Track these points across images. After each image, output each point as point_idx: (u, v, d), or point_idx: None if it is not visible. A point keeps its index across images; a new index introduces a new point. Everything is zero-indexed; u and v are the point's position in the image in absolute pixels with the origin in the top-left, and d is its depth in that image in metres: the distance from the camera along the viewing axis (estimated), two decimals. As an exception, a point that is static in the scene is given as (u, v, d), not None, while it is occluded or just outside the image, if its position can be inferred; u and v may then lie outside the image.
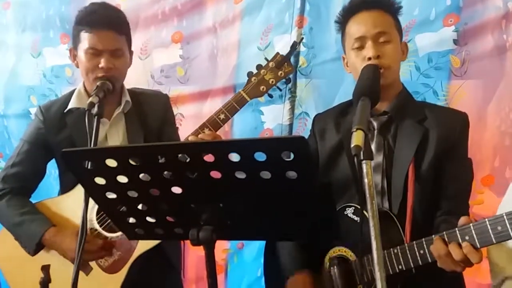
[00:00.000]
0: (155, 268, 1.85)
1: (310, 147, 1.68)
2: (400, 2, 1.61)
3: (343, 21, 1.60)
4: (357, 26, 1.54)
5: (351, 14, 1.57)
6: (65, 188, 1.87)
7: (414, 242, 1.36)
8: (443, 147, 1.48)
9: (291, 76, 1.77)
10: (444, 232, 1.28)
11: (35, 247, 1.76)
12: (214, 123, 1.69)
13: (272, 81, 1.69)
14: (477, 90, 2.12)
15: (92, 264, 1.77)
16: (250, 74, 1.72)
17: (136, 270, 1.75)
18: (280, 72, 1.69)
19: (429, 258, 1.32)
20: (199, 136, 1.67)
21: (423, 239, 1.34)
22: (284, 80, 1.72)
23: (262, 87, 1.69)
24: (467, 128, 1.55)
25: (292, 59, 2.29)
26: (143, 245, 1.73)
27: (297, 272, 1.58)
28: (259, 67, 1.71)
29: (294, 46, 1.73)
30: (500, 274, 1.35)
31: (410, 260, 1.36)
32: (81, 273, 1.69)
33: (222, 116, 1.69)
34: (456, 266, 1.27)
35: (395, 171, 1.50)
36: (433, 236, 1.32)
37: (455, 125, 1.52)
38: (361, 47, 1.52)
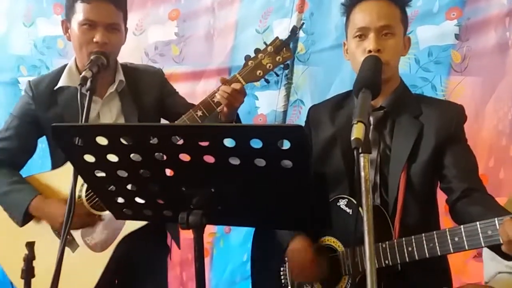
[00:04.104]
0: (147, 248, 1.83)
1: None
2: None
3: (349, 5, 1.57)
4: (361, 15, 1.51)
5: (357, 0, 1.53)
6: (56, 164, 1.84)
7: (404, 239, 1.35)
8: (440, 140, 1.47)
9: (289, 62, 1.74)
10: None
11: (23, 216, 1.73)
12: (208, 105, 1.66)
13: (270, 66, 1.65)
14: (477, 87, 2.10)
15: (79, 241, 1.74)
16: (247, 58, 1.67)
17: (126, 249, 1.72)
18: (279, 57, 1.64)
19: (416, 256, 1.31)
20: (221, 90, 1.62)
21: (413, 236, 1.33)
22: (282, 65, 1.68)
23: (259, 71, 1.65)
24: (463, 119, 1.55)
25: (290, 45, 2.26)
26: (131, 225, 1.70)
27: (296, 236, 1.56)
28: (257, 51, 1.66)
29: (294, 31, 1.69)
30: (493, 269, 1.35)
31: (397, 256, 1.35)
32: (67, 250, 1.68)
33: (216, 99, 1.65)
34: None
35: (392, 167, 1.49)
36: (434, 232, 1.29)
37: (451, 118, 1.51)
38: (363, 38, 1.49)
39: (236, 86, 1.61)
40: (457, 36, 2.12)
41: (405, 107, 1.54)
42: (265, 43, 1.67)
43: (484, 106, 2.09)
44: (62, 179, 1.77)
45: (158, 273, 1.93)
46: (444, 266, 1.56)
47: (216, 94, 1.64)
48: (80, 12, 1.68)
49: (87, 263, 1.72)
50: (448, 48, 2.14)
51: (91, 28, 1.67)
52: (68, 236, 1.69)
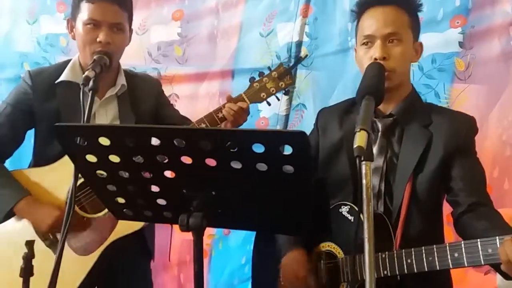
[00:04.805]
0: (129, 253, 1.81)
1: (311, 142, 1.67)
2: (420, 0, 1.57)
3: (358, 12, 1.57)
4: (369, 22, 1.51)
5: (366, 7, 1.54)
6: (39, 160, 1.80)
7: (403, 250, 1.34)
8: (449, 151, 1.46)
9: (290, 88, 1.85)
10: None
11: (6, 214, 1.69)
12: (212, 120, 1.72)
13: (273, 90, 1.76)
14: (480, 96, 2.10)
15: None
16: (252, 80, 1.77)
17: (109, 254, 1.70)
18: (281, 83, 1.76)
19: (415, 269, 1.31)
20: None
21: (412, 249, 1.32)
22: (283, 91, 1.79)
23: (263, 94, 1.76)
24: (473, 132, 1.53)
25: (293, 49, 2.29)
26: (120, 231, 1.69)
27: (293, 249, 1.57)
28: (261, 74, 1.77)
29: (300, 61, 1.84)
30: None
31: (396, 268, 1.34)
32: (49, 252, 1.68)
33: (220, 115, 1.72)
34: None
35: (398, 176, 1.48)
36: (434, 246, 1.29)
37: (461, 129, 1.49)
38: (369, 45, 1.49)
39: (242, 105, 1.71)
40: (461, 44, 2.12)
41: (415, 115, 1.52)
42: (269, 68, 1.78)
43: (488, 115, 2.08)
44: (55, 179, 1.74)
45: (140, 278, 1.91)
46: (445, 278, 1.54)
47: (223, 110, 1.71)
48: (85, 12, 1.68)
49: (70, 266, 1.66)
50: (452, 56, 2.14)
51: (95, 28, 1.67)
52: (52, 237, 1.70)
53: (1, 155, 1.81)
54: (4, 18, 3.08)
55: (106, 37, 1.66)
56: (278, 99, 1.86)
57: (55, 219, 1.65)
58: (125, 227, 1.69)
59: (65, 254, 1.63)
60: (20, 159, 1.92)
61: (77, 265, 1.68)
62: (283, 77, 1.75)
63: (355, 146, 1.00)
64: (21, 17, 3.03)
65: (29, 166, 1.86)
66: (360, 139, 1.01)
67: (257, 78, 1.76)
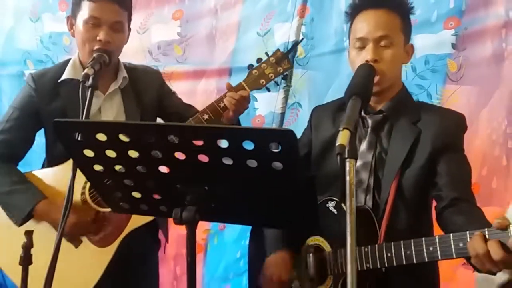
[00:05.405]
0: (144, 244, 1.88)
1: (305, 139, 1.71)
2: (412, 3, 1.59)
3: (351, 14, 1.60)
4: (361, 25, 1.53)
5: (358, 10, 1.56)
6: (52, 159, 1.85)
7: (384, 244, 1.38)
8: (437, 147, 1.48)
9: (288, 72, 1.85)
10: (486, 229, 1.19)
11: (25, 217, 1.73)
12: (214, 110, 1.73)
13: (272, 76, 1.77)
14: (471, 97, 2.13)
15: (82, 237, 1.76)
16: (250, 67, 1.78)
17: (126, 245, 1.76)
18: (280, 68, 1.77)
19: (394, 262, 1.34)
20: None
21: (392, 243, 1.36)
22: (281, 75, 1.79)
23: (262, 80, 1.76)
24: (462, 129, 1.56)
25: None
26: (135, 221, 1.74)
27: (279, 249, 1.62)
28: (259, 60, 1.77)
29: (296, 45, 1.83)
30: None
31: (378, 261, 1.38)
32: (70, 246, 1.72)
33: (222, 105, 1.73)
34: (493, 266, 1.18)
35: (386, 170, 1.51)
36: (412, 240, 1.32)
37: (450, 126, 1.52)
38: (362, 47, 1.52)
39: (243, 93, 1.72)
40: (454, 46, 2.15)
41: (404, 112, 1.55)
42: (266, 53, 1.79)
43: (478, 116, 2.11)
44: (65, 178, 1.71)
45: (151, 267, 1.97)
46: (432, 275, 1.57)
47: (224, 100, 1.72)
48: (85, 10, 1.72)
49: (91, 258, 1.74)
50: (444, 57, 2.16)
51: (95, 26, 1.71)
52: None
53: (14, 158, 1.86)
54: (7, 16, 3.12)
55: (106, 36, 1.70)
56: (278, 84, 1.87)
57: (73, 222, 1.67)
58: (140, 218, 1.74)
59: (86, 247, 1.75)
60: (28, 160, 1.95)
61: (98, 256, 1.74)
62: (280, 61, 1.76)
63: (337, 144, 1.04)
64: (24, 15, 3.07)
65: (43, 165, 1.91)
66: (342, 138, 1.05)
67: (256, 65, 1.77)
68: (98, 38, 1.70)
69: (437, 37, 2.17)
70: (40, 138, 1.90)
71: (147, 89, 1.90)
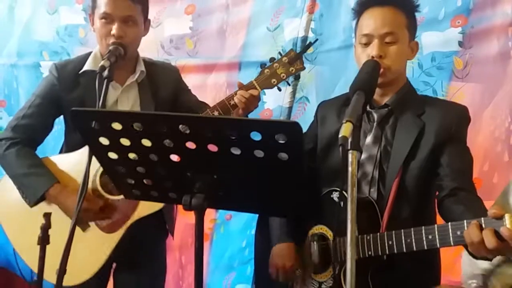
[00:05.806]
0: (151, 232, 1.93)
1: (311, 133, 1.76)
2: (418, 0, 1.63)
3: (358, 11, 1.64)
4: (367, 22, 1.57)
5: (364, 7, 1.60)
6: (69, 146, 1.92)
7: (386, 233, 1.42)
8: (440, 139, 1.52)
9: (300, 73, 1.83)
10: (483, 218, 1.23)
11: (38, 199, 1.80)
12: (224, 107, 1.75)
13: (283, 76, 1.76)
14: (476, 94, 2.15)
15: (90, 222, 1.83)
16: (262, 66, 1.78)
17: (133, 232, 1.82)
18: (292, 68, 1.75)
19: (395, 250, 1.39)
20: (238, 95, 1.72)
21: (393, 232, 1.40)
22: (293, 75, 1.79)
23: (273, 80, 1.75)
24: (465, 121, 1.59)
25: (299, 44, 2.33)
26: (143, 210, 1.80)
27: (283, 241, 1.68)
28: (272, 60, 1.76)
29: (309, 46, 1.78)
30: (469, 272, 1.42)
31: (379, 248, 1.43)
32: (78, 229, 1.75)
33: (232, 102, 1.74)
34: (488, 253, 1.22)
35: (391, 163, 1.55)
36: (412, 229, 1.36)
37: (453, 118, 1.55)
38: (367, 44, 1.56)
39: (253, 92, 1.72)
40: (460, 43, 2.17)
41: (409, 106, 1.59)
42: (280, 53, 1.77)
43: (482, 112, 2.13)
44: (79, 165, 1.81)
45: (158, 256, 2.03)
46: (434, 262, 1.62)
47: (234, 98, 1.73)
48: (100, 6, 1.78)
49: (97, 243, 1.81)
50: (451, 55, 2.19)
51: (108, 22, 1.77)
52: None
53: (33, 143, 1.93)
54: (25, 8, 3.18)
55: (119, 31, 1.76)
56: (289, 84, 1.84)
57: (83, 208, 1.68)
58: (147, 208, 1.80)
59: (93, 231, 1.81)
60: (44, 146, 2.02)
61: (104, 241, 1.80)
62: (293, 62, 1.74)
63: (339, 135, 1.08)
64: (41, 8, 3.12)
65: (60, 151, 1.98)
66: (345, 130, 1.09)
67: (268, 65, 1.76)
68: (111, 32, 1.76)
69: (444, 35, 2.19)
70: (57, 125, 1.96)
71: (164, 84, 1.95)
